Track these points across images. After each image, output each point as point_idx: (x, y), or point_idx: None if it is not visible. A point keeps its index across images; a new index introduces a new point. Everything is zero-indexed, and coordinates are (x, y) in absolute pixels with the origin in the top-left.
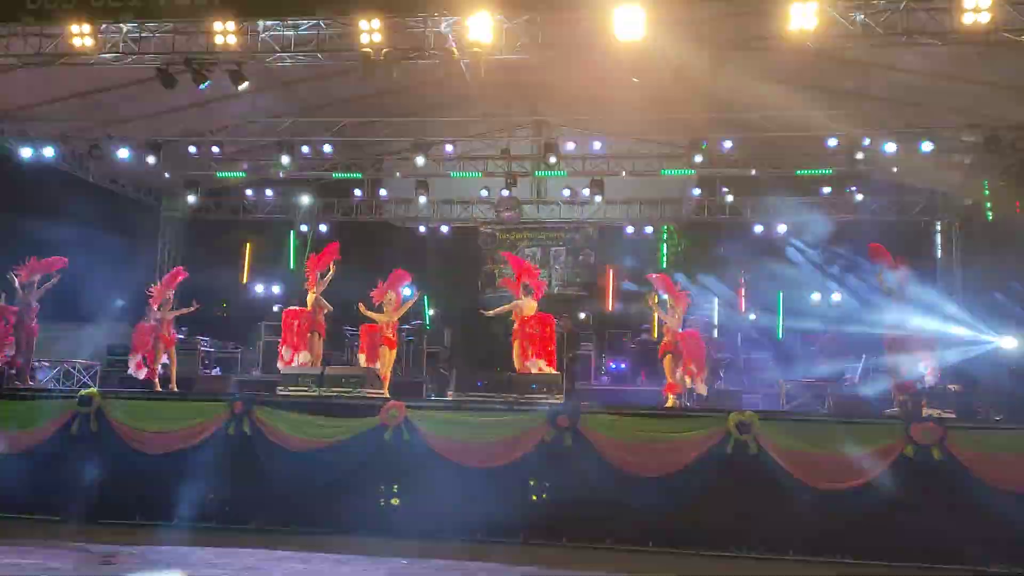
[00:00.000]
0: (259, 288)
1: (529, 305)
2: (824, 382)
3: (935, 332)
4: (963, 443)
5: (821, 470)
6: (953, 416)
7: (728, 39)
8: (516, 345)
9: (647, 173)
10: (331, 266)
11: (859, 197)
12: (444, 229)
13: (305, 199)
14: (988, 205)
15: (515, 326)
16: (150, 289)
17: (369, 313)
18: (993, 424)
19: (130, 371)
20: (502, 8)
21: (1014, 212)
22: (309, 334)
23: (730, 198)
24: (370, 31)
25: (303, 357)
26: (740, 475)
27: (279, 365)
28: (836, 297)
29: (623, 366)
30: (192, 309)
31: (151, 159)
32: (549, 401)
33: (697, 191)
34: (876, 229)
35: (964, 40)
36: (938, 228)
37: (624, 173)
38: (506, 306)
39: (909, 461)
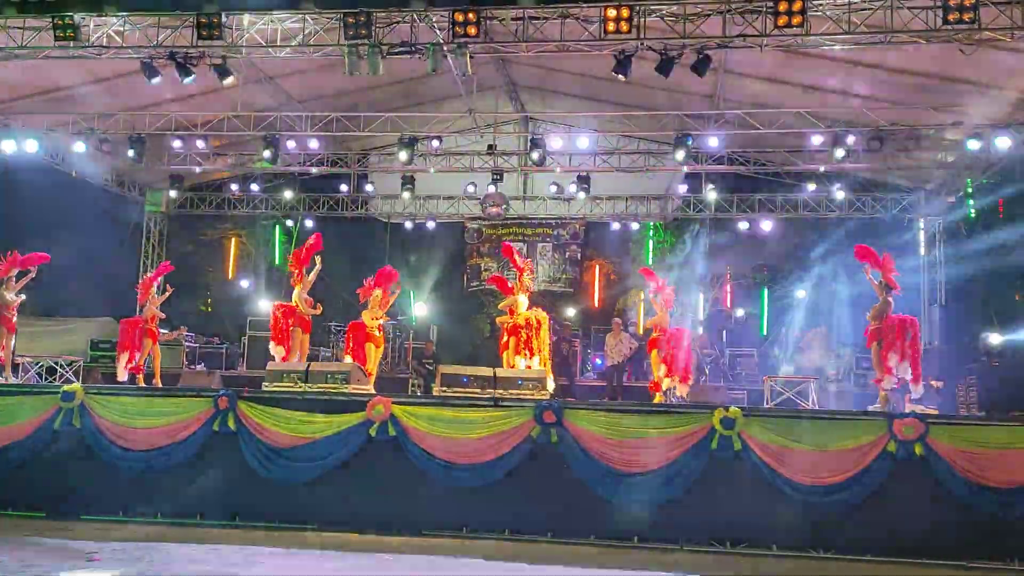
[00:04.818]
0: (244, 283)
1: (522, 302)
2: (808, 379)
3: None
4: (945, 439)
5: (804, 466)
6: (935, 412)
7: (715, 36)
8: (511, 342)
9: (633, 169)
10: (315, 259)
11: (843, 194)
12: (430, 225)
13: (290, 194)
14: (971, 203)
15: (508, 323)
16: (139, 285)
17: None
18: (975, 420)
19: (120, 376)
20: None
21: (997, 210)
22: (292, 330)
23: (715, 195)
24: (356, 25)
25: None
26: (724, 471)
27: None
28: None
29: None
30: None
31: (133, 153)
32: (535, 397)
33: (683, 187)
34: (859, 226)
35: (948, 38)
36: (921, 226)
37: (611, 169)
38: (507, 305)
39: (891, 457)
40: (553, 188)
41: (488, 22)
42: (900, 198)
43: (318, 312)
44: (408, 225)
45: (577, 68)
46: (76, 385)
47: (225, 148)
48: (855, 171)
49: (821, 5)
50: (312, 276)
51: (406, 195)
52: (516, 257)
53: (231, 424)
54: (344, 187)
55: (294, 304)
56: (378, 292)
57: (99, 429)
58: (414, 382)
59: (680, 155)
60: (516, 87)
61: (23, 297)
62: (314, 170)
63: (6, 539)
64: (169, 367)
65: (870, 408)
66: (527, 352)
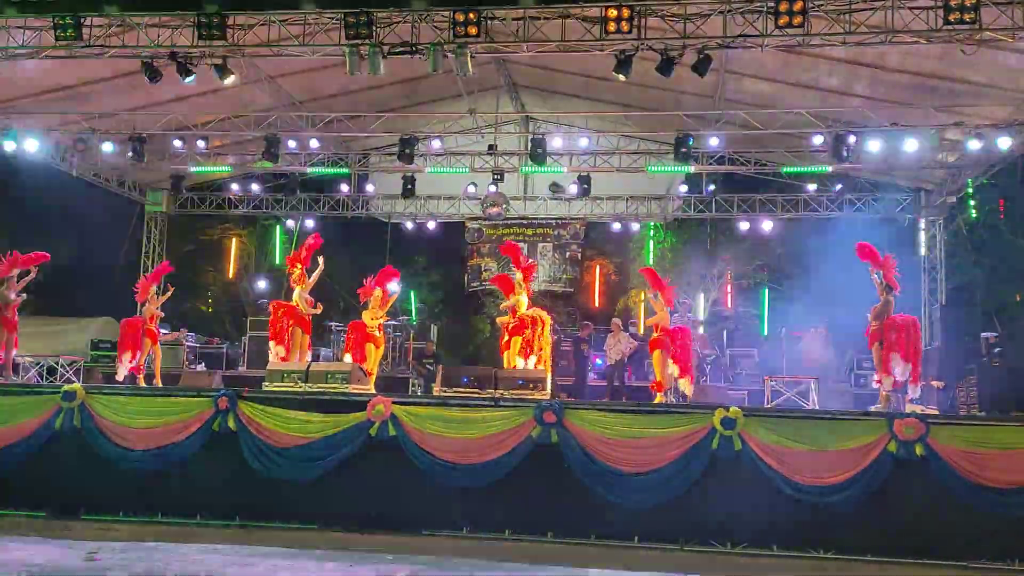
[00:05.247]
0: (244, 283)
1: (523, 302)
2: (809, 378)
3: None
4: (945, 439)
5: (805, 466)
6: (936, 412)
7: (715, 36)
8: (514, 342)
9: (634, 169)
10: (317, 259)
11: (843, 194)
12: (431, 225)
13: (290, 194)
14: (972, 203)
15: (510, 323)
16: (136, 285)
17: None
18: (975, 420)
19: (119, 375)
20: (489, 2)
21: (997, 210)
22: (292, 329)
23: (716, 195)
24: (357, 25)
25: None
26: (725, 470)
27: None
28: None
29: None
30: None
31: (134, 153)
32: (535, 397)
33: (683, 187)
34: (861, 227)
35: (949, 39)
36: (922, 226)
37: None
38: (508, 305)
39: (892, 457)
40: (553, 188)
41: (489, 22)
42: (901, 198)
43: (318, 311)
44: (409, 225)
45: (577, 68)
46: (77, 385)
47: (226, 148)
48: (855, 172)
49: (822, 5)
50: (315, 276)
51: (406, 195)
52: (520, 257)
53: (231, 424)
54: (345, 187)
55: (294, 304)
56: (378, 292)
57: (100, 429)
58: (414, 382)
59: (682, 155)
60: (516, 87)
61: (24, 297)
62: (313, 171)
63: (6, 538)
64: (169, 367)
65: (871, 408)
66: (528, 352)
